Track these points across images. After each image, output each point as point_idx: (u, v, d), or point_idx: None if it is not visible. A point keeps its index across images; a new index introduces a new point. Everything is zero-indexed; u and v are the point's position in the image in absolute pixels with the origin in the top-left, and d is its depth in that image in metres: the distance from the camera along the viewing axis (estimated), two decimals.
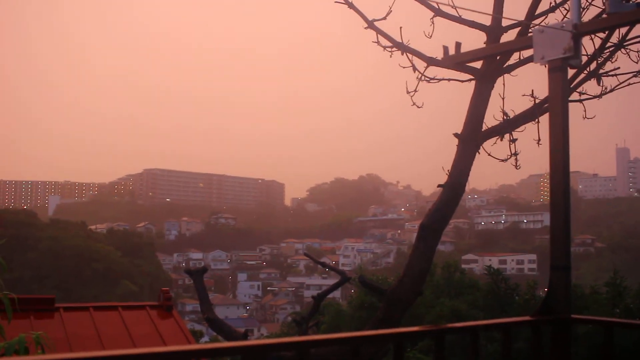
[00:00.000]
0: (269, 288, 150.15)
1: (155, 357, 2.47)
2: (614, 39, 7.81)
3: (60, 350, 8.13)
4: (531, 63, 7.33)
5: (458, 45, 5.47)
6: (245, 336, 11.44)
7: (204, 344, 2.51)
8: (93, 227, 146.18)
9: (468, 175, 8.82)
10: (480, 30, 8.02)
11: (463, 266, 57.28)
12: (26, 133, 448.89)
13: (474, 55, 5.67)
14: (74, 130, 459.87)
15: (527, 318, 4.03)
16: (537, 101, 8.31)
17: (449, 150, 9.09)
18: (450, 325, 3.66)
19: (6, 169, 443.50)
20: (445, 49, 5.61)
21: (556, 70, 4.11)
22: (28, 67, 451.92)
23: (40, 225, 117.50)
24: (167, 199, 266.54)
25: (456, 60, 5.22)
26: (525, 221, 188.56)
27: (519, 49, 6.52)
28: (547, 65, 4.24)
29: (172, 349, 2.48)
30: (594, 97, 8.18)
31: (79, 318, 11.68)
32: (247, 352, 2.58)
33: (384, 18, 8.36)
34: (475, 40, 8.05)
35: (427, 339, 25.47)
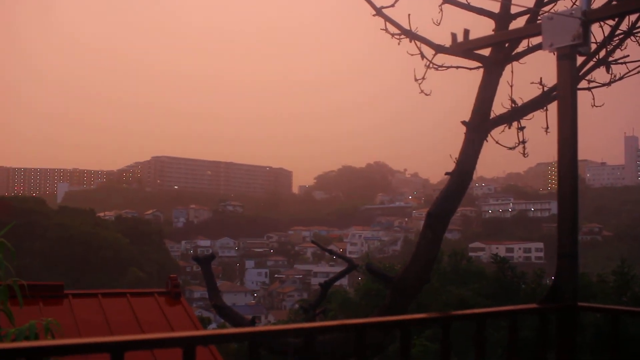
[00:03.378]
0: (276, 275, 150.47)
1: (166, 343, 2.49)
2: (624, 26, 7.75)
3: (69, 336, 8.19)
4: (539, 51, 7.32)
5: (466, 32, 5.44)
6: (252, 323, 11.48)
7: (212, 330, 2.52)
8: (101, 214, 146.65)
9: (476, 163, 8.80)
10: (488, 17, 7.98)
11: (470, 254, 57.27)
12: (35, 121, 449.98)
13: (483, 42, 5.65)
14: (83, 117, 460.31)
15: (533, 306, 4.03)
16: (545, 89, 8.27)
17: (457, 138, 9.06)
18: (456, 312, 3.66)
19: (15, 156, 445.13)
20: (454, 36, 5.59)
21: (565, 57, 4.08)
22: (34, 56, 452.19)
23: (49, 213, 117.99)
24: (175, 187, 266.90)
25: (464, 48, 5.21)
26: (532, 209, 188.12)
27: (528, 36, 6.48)
28: (555, 53, 4.21)
29: (181, 334, 2.49)
30: (603, 85, 8.14)
31: (88, 304, 11.74)
32: (255, 338, 2.59)
33: (392, 5, 8.33)
34: (483, 28, 8.02)
35: (433, 327, 25.50)
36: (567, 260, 4.12)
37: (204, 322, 38.99)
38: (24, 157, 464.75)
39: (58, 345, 2.30)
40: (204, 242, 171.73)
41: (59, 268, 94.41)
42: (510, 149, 8.51)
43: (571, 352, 3.97)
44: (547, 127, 8.00)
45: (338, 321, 2.86)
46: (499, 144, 8.54)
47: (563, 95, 4.16)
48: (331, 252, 13.57)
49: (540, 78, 8.14)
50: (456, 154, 8.87)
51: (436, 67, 8.39)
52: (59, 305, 11.40)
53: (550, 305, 4.00)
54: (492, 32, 7.99)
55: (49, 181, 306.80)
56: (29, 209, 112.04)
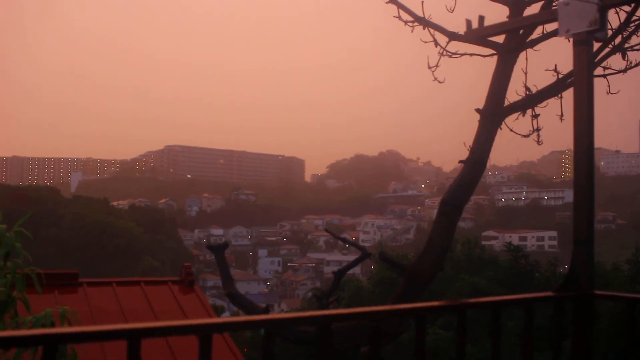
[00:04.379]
0: (289, 264, 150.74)
1: (183, 330, 2.49)
2: None
3: (85, 324, 8.24)
4: (554, 37, 7.25)
5: (481, 18, 5.40)
6: (266, 311, 11.52)
7: (228, 318, 2.53)
8: (115, 203, 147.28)
9: (489, 151, 8.76)
10: (502, 4, 7.92)
11: (483, 243, 57.18)
12: (49, 111, 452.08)
13: (498, 29, 5.60)
14: (96, 108, 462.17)
15: (549, 294, 4.01)
16: (560, 76, 8.20)
17: (470, 126, 9.04)
18: (471, 300, 3.66)
19: (30, 146, 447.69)
20: (468, 22, 5.54)
21: (581, 43, 4.05)
22: (46, 48, 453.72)
23: (63, 202, 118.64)
24: (188, 176, 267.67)
25: (479, 35, 5.17)
26: (545, 198, 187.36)
27: (544, 22, 6.41)
28: (571, 39, 4.18)
29: (198, 321, 2.49)
30: (619, 71, 8.05)
31: (103, 293, 11.81)
32: (270, 325, 2.59)
33: None
34: (497, 14, 7.96)
35: (447, 315, 25.51)
36: (583, 247, 4.10)
37: (218, 311, 39.16)
38: (38, 147, 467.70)
39: (75, 333, 2.31)
40: (217, 231, 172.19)
41: (74, 256, 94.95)
42: (524, 136, 8.46)
43: (588, 340, 3.95)
44: (562, 115, 7.93)
45: (353, 309, 2.86)
46: (513, 131, 8.50)
47: (579, 82, 4.12)
48: (344, 241, 13.58)
49: (555, 65, 8.08)
50: (470, 142, 8.84)
51: (450, 54, 8.34)
52: (74, 293, 11.48)
53: (567, 293, 3.98)
54: (507, 19, 7.94)
55: (62, 170, 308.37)
56: (44, 198, 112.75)
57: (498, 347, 3.62)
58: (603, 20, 4.00)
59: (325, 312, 2.62)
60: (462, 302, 3.27)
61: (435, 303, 3.13)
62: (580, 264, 4.02)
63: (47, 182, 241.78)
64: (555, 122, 8.11)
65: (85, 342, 2.21)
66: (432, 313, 3.54)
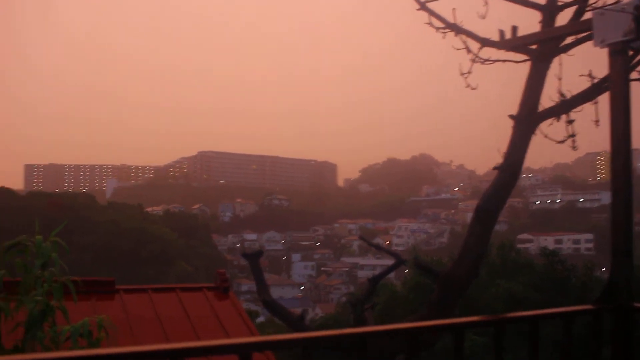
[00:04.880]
0: (322, 268, 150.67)
1: (223, 349, 2.52)
2: None
3: (121, 331, 8.33)
4: (588, 42, 7.18)
5: (514, 29, 5.38)
6: (301, 318, 11.54)
7: (267, 337, 2.55)
8: (149, 209, 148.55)
9: (524, 157, 8.70)
10: (534, 9, 7.87)
11: (518, 246, 56.62)
12: (85, 119, 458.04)
13: (531, 39, 5.57)
14: (130, 114, 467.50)
15: (588, 307, 3.97)
16: (595, 81, 8.11)
17: (503, 129, 8.98)
18: (510, 315, 3.64)
19: (66, 153, 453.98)
20: (501, 32, 5.52)
21: (617, 53, 4.01)
22: (87, 61, 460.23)
23: (98, 208, 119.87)
24: (221, 181, 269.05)
25: (512, 44, 5.15)
26: (581, 200, 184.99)
27: (578, 32, 6.36)
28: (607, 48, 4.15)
29: (237, 341, 2.52)
30: None
31: (139, 299, 11.92)
32: (309, 343, 2.61)
33: None
34: (529, 20, 7.92)
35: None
36: (622, 257, 4.06)
37: (252, 316, 39.29)
38: (74, 154, 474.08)
39: (115, 354, 2.34)
40: (251, 236, 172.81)
41: (109, 262, 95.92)
42: (559, 142, 8.37)
43: (627, 352, 3.91)
44: (597, 120, 7.85)
45: (391, 325, 2.86)
46: (548, 137, 8.42)
47: (615, 92, 4.08)
48: (378, 248, 13.55)
49: (590, 71, 8.00)
50: (504, 147, 8.78)
51: (482, 61, 8.30)
52: (111, 300, 11.61)
53: (605, 305, 3.95)
54: (539, 23, 7.88)
55: (97, 177, 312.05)
56: (79, 204, 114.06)
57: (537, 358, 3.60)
58: (639, 29, 3.96)
59: (364, 330, 2.63)
60: (500, 317, 3.26)
61: (474, 318, 3.12)
62: (619, 275, 3.98)
63: (82, 189, 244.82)
64: (590, 125, 8.02)
65: None
66: (470, 328, 3.54)
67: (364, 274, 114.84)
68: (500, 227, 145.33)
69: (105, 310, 10.05)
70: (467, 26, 8.24)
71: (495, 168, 8.88)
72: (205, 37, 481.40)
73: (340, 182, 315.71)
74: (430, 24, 8.48)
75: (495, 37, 6.41)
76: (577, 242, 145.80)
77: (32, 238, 5.38)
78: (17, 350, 5.06)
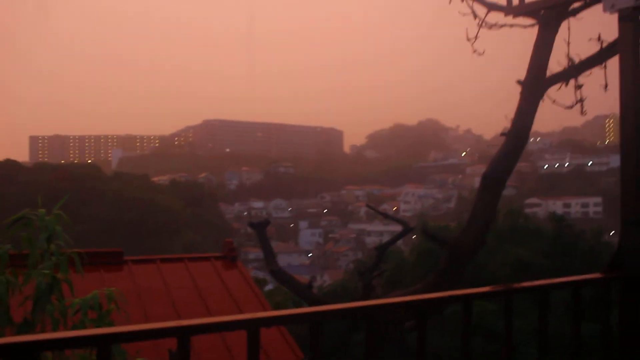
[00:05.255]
0: (330, 235, 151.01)
1: (231, 326, 2.50)
2: None
3: (131, 303, 8.36)
4: (596, 5, 7.07)
5: None
6: (310, 286, 11.58)
7: (275, 312, 2.55)
8: (155, 179, 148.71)
9: (532, 123, 8.63)
10: None
11: (526, 210, 56.59)
12: (89, 88, 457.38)
13: (540, 4, 5.48)
14: (134, 83, 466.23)
15: (597, 275, 3.95)
16: (604, 45, 8.01)
17: (510, 93, 8.89)
18: (518, 285, 3.62)
19: (71, 124, 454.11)
20: None
21: (627, 19, 3.94)
22: (88, 27, 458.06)
23: (104, 179, 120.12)
24: (227, 149, 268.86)
25: (521, 10, 5.05)
26: (590, 163, 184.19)
27: None
28: (617, 14, 4.07)
29: (245, 317, 2.50)
30: None
31: (147, 270, 11.99)
32: (318, 317, 2.60)
33: None
34: None
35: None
36: (633, 226, 4.02)
37: (260, 284, 39.51)
38: (79, 124, 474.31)
39: (127, 332, 2.34)
40: (257, 204, 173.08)
41: (116, 233, 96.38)
42: (567, 108, 8.31)
43: (636, 322, 3.89)
44: (606, 84, 7.76)
45: (399, 298, 2.86)
46: (556, 103, 8.34)
47: (625, 58, 4.02)
48: (386, 216, 13.54)
49: (599, 34, 7.89)
50: (511, 112, 8.71)
51: (489, 26, 8.21)
52: (119, 271, 11.68)
53: (615, 274, 3.92)
54: None
55: (103, 147, 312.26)
56: (85, 175, 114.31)
57: (546, 329, 3.60)
58: None
59: (373, 303, 2.62)
60: (509, 288, 3.25)
61: (482, 289, 3.11)
62: (630, 243, 3.95)
63: (88, 160, 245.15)
64: (598, 89, 7.94)
65: (136, 341, 2.26)
66: (479, 299, 3.52)
67: (371, 241, 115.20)
68: (507, 191, 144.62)
69: (114, 282, 10.12)
70: None
71: (502, 134, 8.82)
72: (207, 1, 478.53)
73: (347, 149, 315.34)
74: None
75: (502, 3, 6.33)
76: (585, 205, 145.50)
77: (36, 211, 5.38)
78: (26, 323, 5.08)
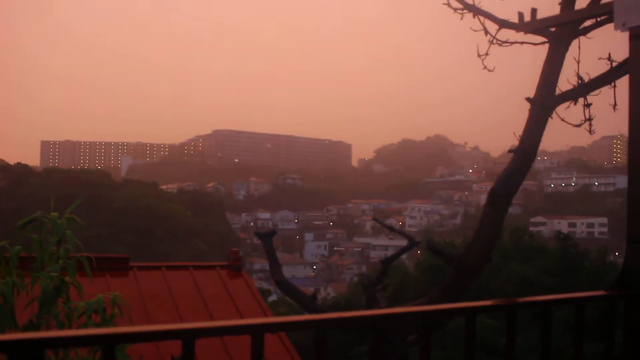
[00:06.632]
0: (335, 248, 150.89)
1: (236, 330, 2.52)
2: None
3: (135, 308, 8.39)
4: (608, 24, 7.09)
5: (534, 11, 5.32)
6: (314, 298, 11.56)
7: (281, 318, 2.56)
8: (164, 187, 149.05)
9: (540, 140, 8.61)
10: None
11: (531, 229, 56.43)
12: (100, 95, 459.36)
13: (550, 22, 5.50)
14: (145, 93, 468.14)
15: (601, 293, 3.95)
16: (614, 64, 8.01)
17: (520, 112, 8.90)
18: (521, 299, 3.62)
19: (82, 130, 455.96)
20: (520, 15, 5.47)
21: (637, 38, 3.96)
22: (100, 33, 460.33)
23: (114, 185, 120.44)
24: (236, 160, 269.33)
25: (532, 27, 5.08)
26: (596, 184, 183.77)
27: (599, 15, 6.28)
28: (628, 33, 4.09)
29: (250, 321, 2.52)
30: None
31: (152, 277, 12.02)
32: (323, 325, 2.61)
33: None
34: (548, 1, 7.82)
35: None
36: (638, 246, 4.02)
37: (264, 294, 39.49)
38: (90, 131, 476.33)
39: (131, 333, 2.35)
40: (264, 215, 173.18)
41: (124, 239, 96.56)
42: (576, 126, 8.30)
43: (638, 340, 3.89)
44: (615, 104, 7.76)
45: (404, 308, 2.87)
46: (565, 121, 8.34)
47: (635, 77, 4.03)
48: (392, 229, 13.51)
49: (609, 54, 7.89)
50: (519, 129, 8.70)
51: (500, 42, 8.23)
52: (125, 277, 11.71)
53: (619, 292, 3.92)
54: (558, 5, 7.79)
55: (113, 154, 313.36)
56: (95, 181, 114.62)
57: (549, 345, 3.59)
58: None
59: (378, 312, 2.63)
60: (512, 302, 3.25)
61: (485, 302, 3.11)
62: (635, 263, 3.95)
63: (98, 166, 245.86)
64: (607, 108, 7.94)
65: (140, 342, 2.27)
66: (483, 312, 3.52)
67: (376, 254, 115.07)
68: (513, 209, 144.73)
69: (119, 287, 10.13)
70: (485, 8, 8.17)
71: (510, 151, 8.82)
72: (223, 9, 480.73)
73: (355, 162, 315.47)
74: (449, 4, 8.41)
75: (514, 20, 6.34)
76: (590, 225, 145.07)
77: (48, 214, 5.41)
78: (31, 325, 5.11)
